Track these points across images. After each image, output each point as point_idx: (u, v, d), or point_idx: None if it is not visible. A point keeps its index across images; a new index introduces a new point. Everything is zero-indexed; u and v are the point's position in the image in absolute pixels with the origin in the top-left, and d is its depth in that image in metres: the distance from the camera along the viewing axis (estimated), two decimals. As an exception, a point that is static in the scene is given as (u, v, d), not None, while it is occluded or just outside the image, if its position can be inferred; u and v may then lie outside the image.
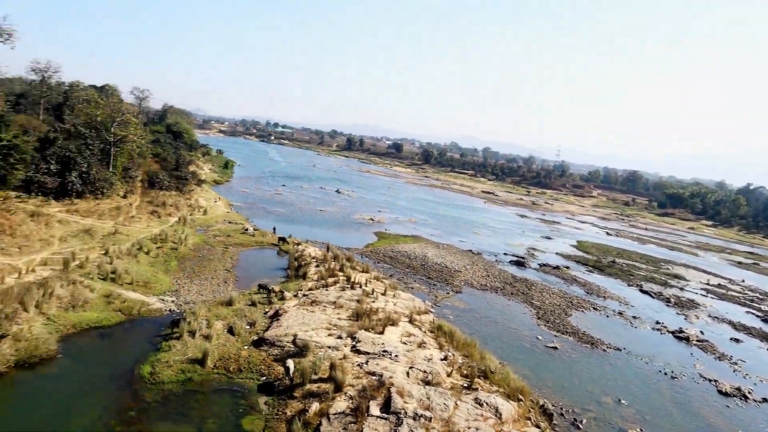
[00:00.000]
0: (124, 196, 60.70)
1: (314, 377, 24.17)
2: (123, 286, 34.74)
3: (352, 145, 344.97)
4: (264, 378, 25.20)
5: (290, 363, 25.13)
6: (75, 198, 52.24)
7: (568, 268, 68.79)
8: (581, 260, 76.36)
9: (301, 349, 27.14)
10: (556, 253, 79.49)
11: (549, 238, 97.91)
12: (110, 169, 61.43)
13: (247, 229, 59.09)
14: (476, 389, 24.56)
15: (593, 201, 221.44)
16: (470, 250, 70.18)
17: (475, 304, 45.96)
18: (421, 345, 29.41)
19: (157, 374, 24.20)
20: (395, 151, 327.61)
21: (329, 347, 27.80)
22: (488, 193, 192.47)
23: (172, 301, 34.48)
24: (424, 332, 32.40)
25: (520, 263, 66.69)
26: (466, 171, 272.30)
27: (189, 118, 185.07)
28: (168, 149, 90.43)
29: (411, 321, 33.78)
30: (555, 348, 37.35)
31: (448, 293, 47.64)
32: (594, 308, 50.10)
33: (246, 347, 28.18)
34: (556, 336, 40.31)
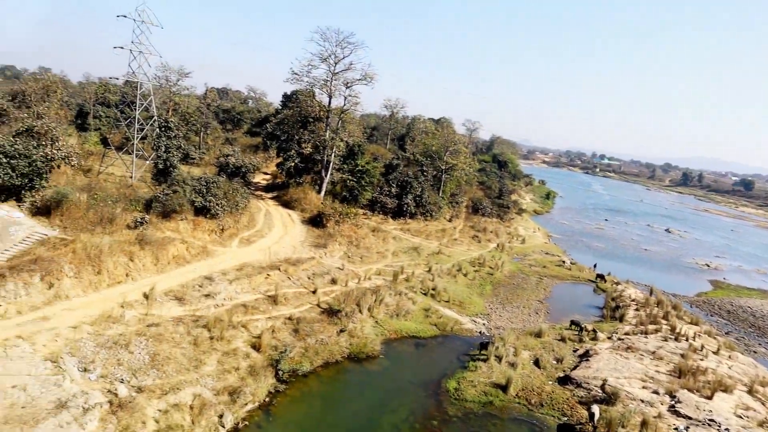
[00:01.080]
0: (450, 220, 65.90)
1: (621, 430, 21.91)
2: (440, 303, 37.37)
3: (688, 180, 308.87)
4: (565, 418, 23.90)
5: (596, 409, 23.24)
6: (408, 218, 58.92)
7: None
8: None
9: (609, 396, 24.95)
10: None
11: None
12: (440, 194, 67.43)
13: (563, 262, 57.63)
14: None
15: None
16: None
17: None
18: (763, 424, 24.13)
19: (461, 391, 25.20)
20: (743, 189, 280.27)
21: (642, 401, 24.92)
22: None
23: (483, 324, 35.63)
24: (770, 409, 26.56)
25: None
26: None
27: (514, 148, 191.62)
28: (492, 178, 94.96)
29: (750, 391, 28.03)
30: None
31: (809, 366, 38.26)
32: None
33: (550, 382, 27.24)
34: None
